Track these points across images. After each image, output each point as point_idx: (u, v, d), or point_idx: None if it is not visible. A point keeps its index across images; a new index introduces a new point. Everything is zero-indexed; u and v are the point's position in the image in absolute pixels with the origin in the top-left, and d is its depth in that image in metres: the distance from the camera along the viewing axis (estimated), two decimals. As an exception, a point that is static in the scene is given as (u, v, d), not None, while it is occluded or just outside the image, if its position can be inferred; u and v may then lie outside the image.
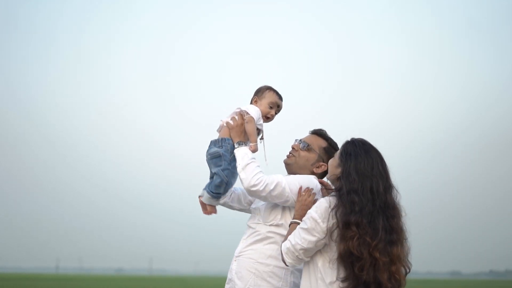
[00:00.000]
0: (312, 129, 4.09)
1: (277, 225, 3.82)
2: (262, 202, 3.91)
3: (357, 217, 3.26)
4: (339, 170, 3.48)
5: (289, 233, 3.54)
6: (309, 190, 3.74)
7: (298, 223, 3.51)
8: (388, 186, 3.41)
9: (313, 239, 3.35)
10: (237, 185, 4.05)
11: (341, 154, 3.52)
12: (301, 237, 3.37)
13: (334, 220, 3.32)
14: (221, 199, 3.99)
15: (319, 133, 4.05)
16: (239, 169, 3.76)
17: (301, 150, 3.97)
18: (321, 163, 3.96)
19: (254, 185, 3.68)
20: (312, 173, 3.96)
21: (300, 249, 3.38)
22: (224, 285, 3.89)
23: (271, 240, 3.81)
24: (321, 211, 3.37)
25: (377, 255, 3.24)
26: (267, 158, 3.99)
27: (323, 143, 4.00)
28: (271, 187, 3.70)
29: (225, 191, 3.93)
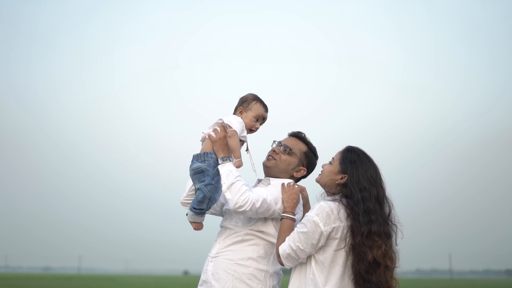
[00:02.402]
0: (291, 131, 4.01)
1: (258, 231, 3.74)
2: None
3: (378, 226, 3.37)
4: (339, 177, 3.54)
5: (283, 231, 3.53)
6: (291, 183, 3.75)
7: (291, 218, 3.56)
8: (386, 195, 3.52)
9: (314, 242, 3.37)
10: None
11: (343, 161, 3.56)
12: (301, 241, 3.38)
13: (342, 224, 3.39)
14: (204, 215, 3.81)
15: (299, 137, 3.98)
16: (224, 188, 3.62)
17: (282, 153, 3.88)
18: (301, 167, 3.92)
19: (241, 206, 3.57)
20: (292, 177, 3.91)
21: (302, 253, 3.40)
22: None
23: (251, 242, 3.72)
24: (323, 215, 3.39)
25: (389, 262, 3.38)
26: (256, 168, 3.88)
27: (303, 147, 3.94)
28: (257, 205, 3.60)
29: (208, 207, 3.73)
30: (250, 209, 3.57)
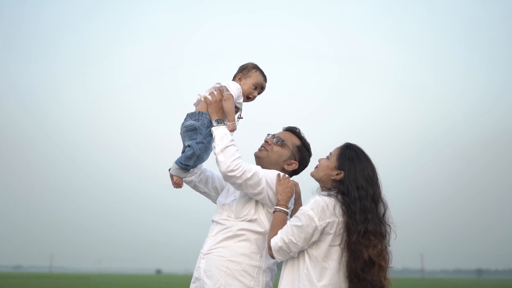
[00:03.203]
0: (286, 126, 4.00)
1: (250, 221, 3.70)
2: (232, 198, 3.80)
3: (373, 225, 3.37)
4: (335, 173, 3.52)
5: (275, 224, 3.50)
6: (286, 176, 3.71)
7: (284, 211, 3.53)
8: (382, 194, 3.52)
9: (308, 236, 3.35)
10: (208, 168, 4.01)
11: (341, 157, 3.54)
12: (295, 235, 3.36)
13: (337, 220, 3.38)
14: (189, 172, 3.81)
15: (293, 131, 3.96)
16: (217, 150, 3.59)
17: (274, 145, 3.87)
18: (293, 161, 3.89)
19: (232, 170, 3.54)
20: (283, 169, 3.88)
21: (294, 247, 3.37)
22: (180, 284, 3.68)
23: (243, 237, 3.68)
24: (318, 209, 3.37)
25: (383, 262, 3.38)
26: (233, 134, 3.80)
27: (297, 141, 3.92)
28: (248, 175, 3.57)
29: (195, 164, 3.73)
30: (241, 176, 3.54)
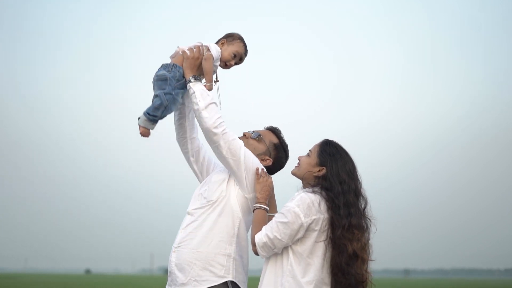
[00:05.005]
0: (267, 125, 4.01)
1: (219, 204, 3.64)
2: (206, 187, 3.76)
3: (357, 219, 3.39)
4: (317, 169, 3.53)
5: (257, 221, 3.51)
6: (265, 172, 3.72)
7: (264, 208, 3.56)
8: (362, 188, 3.54)
9: (293, 233, 3.35)
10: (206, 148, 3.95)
11: (321, 153, 3.55)
12: (280, 231, 3.36)
13: (322, 217, 3.37)
14: (155, 124, 3.75)
15: (273, 130, 3.98)
16: (201, 105, 3.58)
17: (251, 138, 3.86)
18: (267, 157, 3.89)
19: (216, 127, 3.57)
20: None
21: (279, 243, 3.36)
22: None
23: (212, 227, 3.63)
24: (304, 206, 3.37)
25: (365, 255, 3.41)
26: (221, 103, 3.79)
27: (274, 140, 3.94)
28: (230, 138, 3.62)
29: (162, 115, 3.71)
30: (223, 136, 3.58)
